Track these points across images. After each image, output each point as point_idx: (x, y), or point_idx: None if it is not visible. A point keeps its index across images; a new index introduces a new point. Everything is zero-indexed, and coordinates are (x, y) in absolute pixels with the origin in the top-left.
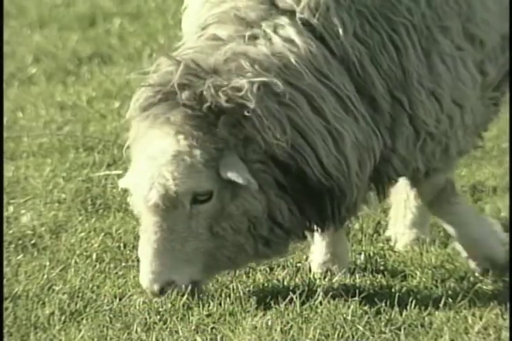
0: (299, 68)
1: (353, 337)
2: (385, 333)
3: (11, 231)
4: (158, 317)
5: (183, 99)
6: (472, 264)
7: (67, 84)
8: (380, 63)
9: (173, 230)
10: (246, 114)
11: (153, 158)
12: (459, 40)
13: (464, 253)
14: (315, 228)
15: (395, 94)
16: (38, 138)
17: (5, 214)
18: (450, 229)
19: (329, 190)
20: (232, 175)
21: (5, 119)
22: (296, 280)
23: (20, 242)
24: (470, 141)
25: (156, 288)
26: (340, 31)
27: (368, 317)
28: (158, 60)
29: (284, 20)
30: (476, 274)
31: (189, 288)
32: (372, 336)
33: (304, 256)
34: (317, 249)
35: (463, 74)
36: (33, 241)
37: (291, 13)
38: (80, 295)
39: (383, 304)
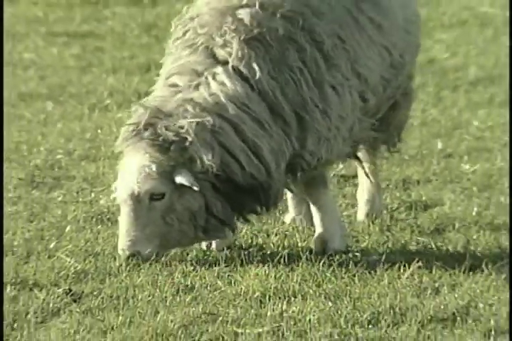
0: (226, 103)
1: (323, 281)
2: (344, 278)
3: (93, 210)
4: (192, 267)
5: (145, 135)
6: (317, 244)
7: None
8: (287, 93)
9: (137, 218)
10: (187, 144)
11: (128, 171)
12: (347, 75)
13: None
14: (249, 215)
15: (299, 113)
16: (111, 147)
17: (89, 198)
18: (313, 210)
19: (260, 186)
20: (181, 180)
21: (89, 134)
22: (285, 243)
23: (99, 217)
24: (345, 150)
25: (125, 255)
26: (258, 73)
27: (333, 268)
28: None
29: (219, 69)
30: (406, 238)
31: (152, 256)
32: (336, 279)
33: (290, 227)
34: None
35: (347, 99)
36: (107, 216)
37: (225, 63)
38: None
39: (344, 259)
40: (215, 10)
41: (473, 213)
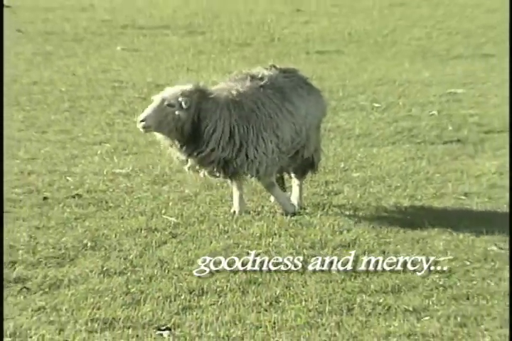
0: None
1: (288, 227)
2: (297, 226)
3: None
4: (227, 221)
5: None
6: (279, 208)
7: None
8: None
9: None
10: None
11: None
12: (272, 136)
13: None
14: None
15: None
16: None
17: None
18: (272, 197)
19: None
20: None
21: None
22: (271, 210)
23: (187, 199)
24: (271, 171)
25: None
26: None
27: (294, 221)
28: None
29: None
30: (326, 208)
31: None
32: (294, 227)
33: (273, 203)
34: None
35: (269, 147)
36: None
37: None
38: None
39: (296, 217)
40: (232, 81)
41: (358, 196)
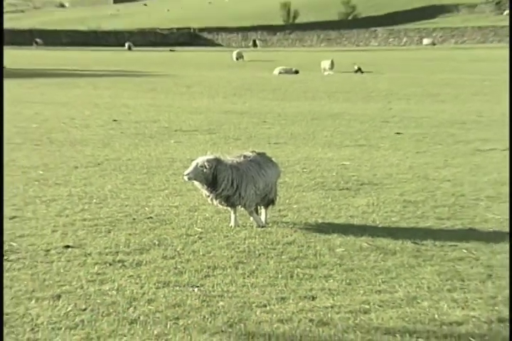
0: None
1: (261, 233)
2: (264, 233)
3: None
4: (228, 229)
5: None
6: (255, 224)
7: None
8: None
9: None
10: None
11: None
12: (253, 186)
13: (254, 222)
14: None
15: (239, 188)
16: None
17: None
18: (251, 218)
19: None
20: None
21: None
22: (250, 225)
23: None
24: (252, 204)
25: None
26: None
27: (262, 231)
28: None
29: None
30: (278, 220)
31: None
32: (263, 234)
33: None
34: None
35: (251, 192)
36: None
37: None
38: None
39: (264, 229)
40: (235, 155)
41: (295, 217)
